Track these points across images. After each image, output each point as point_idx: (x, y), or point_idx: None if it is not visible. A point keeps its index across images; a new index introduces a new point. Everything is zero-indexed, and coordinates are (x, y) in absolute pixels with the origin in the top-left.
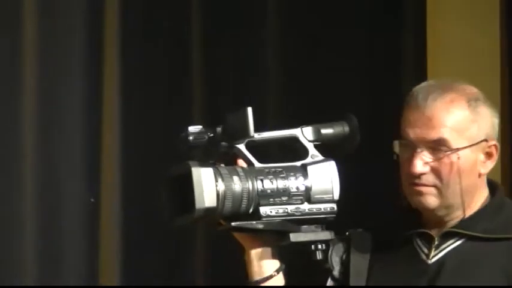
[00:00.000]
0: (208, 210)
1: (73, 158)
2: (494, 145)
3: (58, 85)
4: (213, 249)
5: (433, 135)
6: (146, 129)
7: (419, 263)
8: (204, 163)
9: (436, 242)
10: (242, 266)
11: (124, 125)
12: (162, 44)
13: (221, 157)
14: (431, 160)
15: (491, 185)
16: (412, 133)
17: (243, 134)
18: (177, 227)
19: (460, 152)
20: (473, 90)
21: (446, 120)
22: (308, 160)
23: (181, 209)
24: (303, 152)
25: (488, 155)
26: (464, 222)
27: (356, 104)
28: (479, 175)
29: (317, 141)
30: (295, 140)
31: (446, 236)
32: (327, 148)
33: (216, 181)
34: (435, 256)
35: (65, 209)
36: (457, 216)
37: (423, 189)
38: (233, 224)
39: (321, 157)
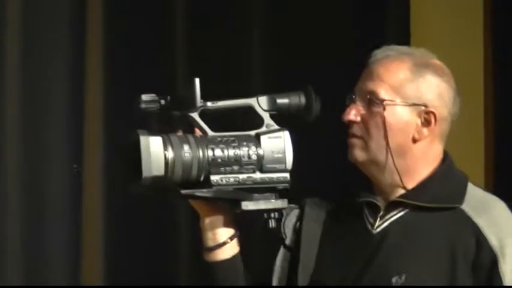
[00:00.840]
0: (156, 178)
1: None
2: (432, 112)
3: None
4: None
5: (369, 86)
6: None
7: (365, 233)
8: (154, 132)
9: (382, 212)
10: None
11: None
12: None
13: (178, 126)
14: (364, 112)
15: (444, 155)
16: (356, 85)
17: (191, 104)
18: (131, 193)
19: (389, 107)
20: (429, 59)
21: (384, 75)
22: (262, 129)
23: (134, 177)
24: (258, 122)
25: (427, 121)
26: (410, 192)
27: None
28: (414, 140)
29: (273, 111)
30: (250, 109)
31: (392, 206)
32: (284, 118)
33: (165, 149)
34: (380, 226)
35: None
36: (402, 184)
37: (352, 140)
38: (183, 191)
39: (276, 127)
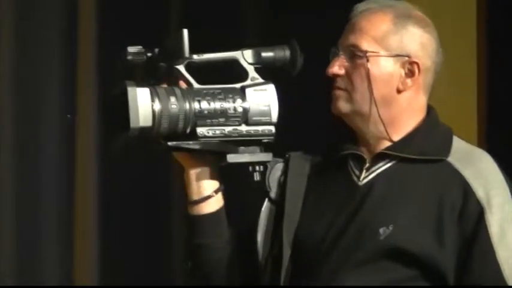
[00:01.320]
0: (144, 129)
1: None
2: (416, 62)
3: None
4: None
5: (351, 39)
6: None
7: (351, 185)
8: (141, 83)
9: (367, 164)
10: None
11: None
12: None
13: (164, 78)
14: (348, 65)
15: (427, 109)
16: (340, 39)
17: (179, 55)
18: (117, 146)
19: (373, 58)
20: (411, 10)
21: (366, 28)
22: (247, 82)
23: (121, 128)
24: (243, 75)
25: (411, 72)
26: (396, 144)
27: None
28: (398, 91)
29: (257, 64)
30: (235, 62)
31: (378, 158)
32: (269, 71)
33: (153, 101)
34: (366, 178)
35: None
36: (388, 135)
37: (336, 92)
38: (169, 143)
39: (260, 80)
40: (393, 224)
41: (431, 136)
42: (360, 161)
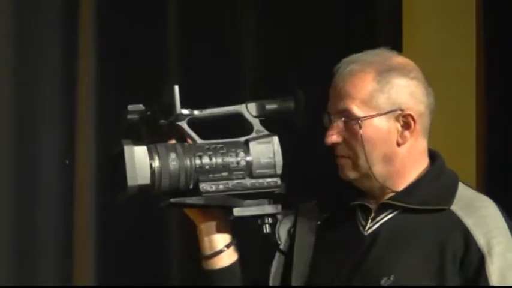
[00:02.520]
0: (143, 187)
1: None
2: (409, 114)
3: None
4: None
5: (340, 106)
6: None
7: (357, 235)
8: (139, 141)
9: (373, 214)
10: None
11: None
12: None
13: (169, 135)
14: (343, 130)
15: (433, 155)
16: (329, 106)
17: (172, 112)
18: (118, 203)
19: (366, 121)
20: (392, 60)
21: (351, 91)
22: (251, 135)
23: (120, 187)
24: (248, 128)
25: (407, 124)
26: (399, 194)
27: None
28: (398, 144)
29: (262, 117)
30: (240, 115)
31: (383, 208)
32: (275, 123)
33: (151, 159)
34: (371, 228)
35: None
36: (393, 187)
37: (340, 161)
38: (172, 200)
39: (265, 132)
40: (394, 274)
41: (434, 185)
42: (366, 211)
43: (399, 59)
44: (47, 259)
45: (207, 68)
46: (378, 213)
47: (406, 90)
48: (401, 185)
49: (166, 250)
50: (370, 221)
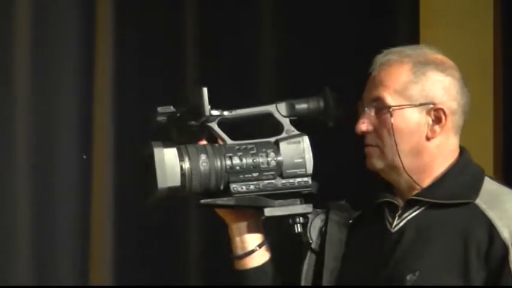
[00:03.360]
0: (172, 189)
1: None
2: (441, 109)
3: (51, 47)
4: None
5: (374, 93)
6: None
7: (384, 233)
8: (169, 143)
9: (400, 211)
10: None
11: (117, 90)
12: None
13: (199, 136)
14: (374, 120)
15: (460, 150)
16: (363, 95)
17: (200, 113)
18: (150, 206)
19: (398, 111)
20: (430, 55)
21: (386, 80)
22: (282, 135)
23: (151, 189)
24: (278, 128)
25: (438, 119)
26: (426, 190)
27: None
28: (428, 138)
29: (292, 116)
30: (270, 116)
31: (409, 205)
32: (306, 122)
33: (182, 160)
34: (397, 225)
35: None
36: (419, 182)
37: (368, 150)
38: (202, 201)
39: (295, 132)
40: (419, 270)
41: (460, 180)
42: (393, 208)
43: (438, 56)
44: (64, 255)
45: (226, 68)
46: (404, 210)
47: (441, 85)
48: (428, 180)
49: (184, 247)
50: (397, 218)
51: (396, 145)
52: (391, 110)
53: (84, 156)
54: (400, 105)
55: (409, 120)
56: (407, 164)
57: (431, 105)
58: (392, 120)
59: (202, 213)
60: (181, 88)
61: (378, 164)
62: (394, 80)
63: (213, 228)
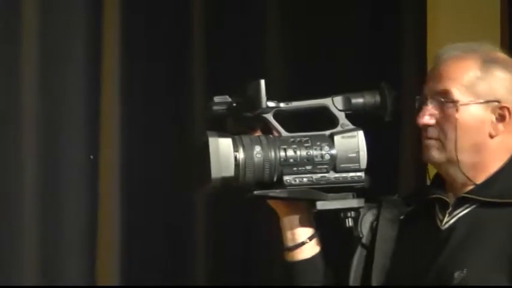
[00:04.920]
0: (226, 179)
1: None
2: (506, 107)
3: (58, 46)
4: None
5: (440, 87)
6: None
7: (435, 229)
8: (224, 133)
9: (450, 208)
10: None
11: (125, 89)
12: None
13: (254, 127)
14: (437, 113)
15: None
16: (426, 87)
17: (257, 105)
18: (201, 195)
19: (464, 107)
20: (496, 54)
21: (454, 74)
22: (336, 129)
23: (204, 178)
24: (334, 121)
25: (501, 117)
26: (477, 188)
27: None
28: (491, 136)
29: (348, 111)
30: (325, 109)
31: (460, 202)
32: (362, 117)
33: (236, 151)
34: (448, 222)
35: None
36: (473, 179)
37: (428, 142)
38: (255, 192)
39: (351, 126)
40: (468, 267)
41: (511, 179)
42: (444, 205)
43: (502, 54)
44: (72, 254)
45: (233, 70)
46: (455, 208)
47: (507, 84)
48: (481, 177)
49: (191, 247)
50: (447, 215)
51: (457, 140)
52: (458, 105)
53: (91, 157)
54: (467, 101)
55: (473, 116)
56: (465, 160)
57: (496, 103)
58: (457, 115)
59: (210, 213)
60: (189, 88)
61: (438, 157)
62: (463, 75)
63: (221, 228)
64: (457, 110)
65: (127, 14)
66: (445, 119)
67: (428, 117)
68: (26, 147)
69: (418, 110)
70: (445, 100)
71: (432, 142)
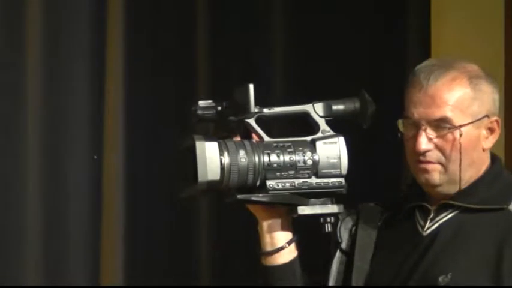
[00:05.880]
0: (211, 183)
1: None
2: (496, 120)
3: (62, 47)
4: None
5: (437, 114)
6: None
7: (416, 236)
8: (210, 137)
9: (432, 214)
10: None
11: (128, 90)
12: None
13: (235, 131)
14: (435, 137)
15: (492, 156)
16: (416, 113)
17: (245, 109)
18: (185, 197)
19: (463, 129)
20: (474, 67)
21: (448, 98)
22: (318, 135)
23: (190, 181)
24: (314, 127)
25: (491, 130)
26: (460, 194)
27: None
28: (483, 150)
29: (328, 117)
30: (306, 115)
31: (442, 208)
32: (341, 123)
33: (222, 155)
34: (430, 228)
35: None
36: (455, 188)
37: (428, 166)
38: (238, 196)
39: (331, 132)
40: (452, 271)
41: (493, 185)
42: (426, 212)
43: (475, 66)
44: (75, 255)
45: (237, 68)
46: (437, 214)
47: (491, 97)
48: (463, 184)
49: (194, 247)
50: (429, 221)
51: (461, 161)
52: (461, 129)
53: (95, 157)
54: (466, 124)
55: (471, 135)
56: (466, 178)
57: (487, 118)
58: (461, 139)
59: (212, 213)
60: (193, 88)
61: (441, 180)
62: (458, 98)
63: (223, 228)
64: (460, 135)
65: (132, 15)
66: (446, 143)
67: (426, 143)
68: (30, 147)
69: (411, 134)
70: (444, 126)
71: (433, 166)
